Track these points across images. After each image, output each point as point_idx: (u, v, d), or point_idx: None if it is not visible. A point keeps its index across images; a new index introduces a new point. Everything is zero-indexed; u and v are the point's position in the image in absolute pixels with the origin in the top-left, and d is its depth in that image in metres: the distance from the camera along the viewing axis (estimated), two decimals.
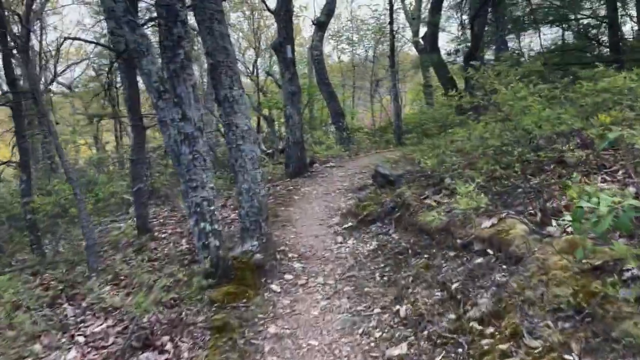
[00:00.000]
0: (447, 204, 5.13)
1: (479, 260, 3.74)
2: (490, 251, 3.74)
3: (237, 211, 6.71)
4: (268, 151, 13.52)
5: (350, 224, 6.15)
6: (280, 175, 10.53)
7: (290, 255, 5.21)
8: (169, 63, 4.13)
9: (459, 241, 4.15)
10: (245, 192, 4.95)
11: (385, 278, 4.28)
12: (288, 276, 4.67)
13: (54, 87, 25.41)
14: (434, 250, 4.32)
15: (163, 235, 7.36)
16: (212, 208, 4.32)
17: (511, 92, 4.40)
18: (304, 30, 30.60)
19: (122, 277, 4.69)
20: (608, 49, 9.87)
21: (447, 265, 3.97)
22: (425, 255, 4.33)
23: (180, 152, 4.24)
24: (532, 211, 3.93)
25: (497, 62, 5.48)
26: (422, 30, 23.35)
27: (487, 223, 4.00)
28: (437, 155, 5.66)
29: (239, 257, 4.69)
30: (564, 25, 10.99)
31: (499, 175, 4.55)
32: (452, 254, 4.10)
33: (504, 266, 3.50)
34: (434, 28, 11.71)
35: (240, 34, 26.86)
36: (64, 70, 26.38)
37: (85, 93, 24.39)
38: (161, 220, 9.06)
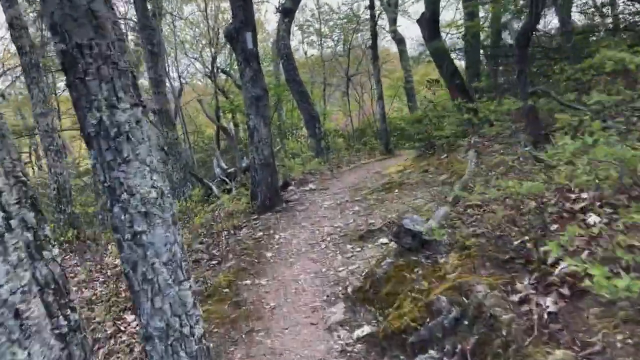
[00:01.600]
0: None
1: None
2: None
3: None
4: (229, 170, 10.74)
5: (366, 329, 3.51)
6: (244, 210, 7.78)
7: None
8: None
9: None
10: (158, 337, 2.23)
11: None
12: None
13: None
14: None
15: None
16: None
17: None
18: (267, 23, 27.68)
19: None
20: None
21: None
22: None
23: None
24: None
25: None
26: (400, 18, 20.97)
27: None
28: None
29: None
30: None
31: None
32: None
33: None
34: (434, 7, 9.17)
35: (197, 30, 23.96)
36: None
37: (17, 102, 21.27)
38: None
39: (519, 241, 3.36)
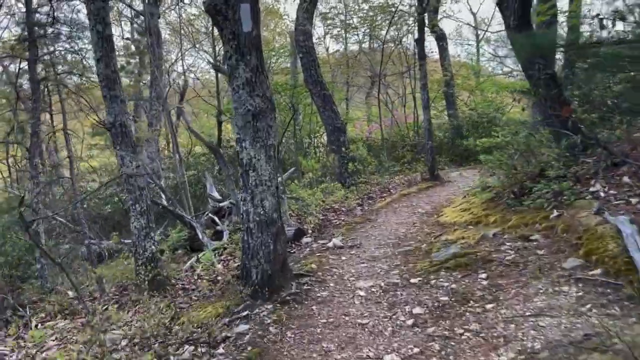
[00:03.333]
0: None
1: None
2: None
3: None
4: (221, 204, 7.83)
5: None
6: (230, 284, 4.85)
7: None
8: None
9: None
10: None
11: None
12: None
13: None
14: None
15: None
16: None
17: None
18: (286, 16, 24.52)
19: None
20: None
21: None
22: None
23: None
24: None
25: None
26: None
27: None
28: None
29: None
30: None
31: None
32: None
33: None
34: None
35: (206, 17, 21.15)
36: None
37: None
38: None
39: None
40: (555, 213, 4.93)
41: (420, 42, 10.29)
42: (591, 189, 5.07)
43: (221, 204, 7.71)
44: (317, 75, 10.59)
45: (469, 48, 24.79)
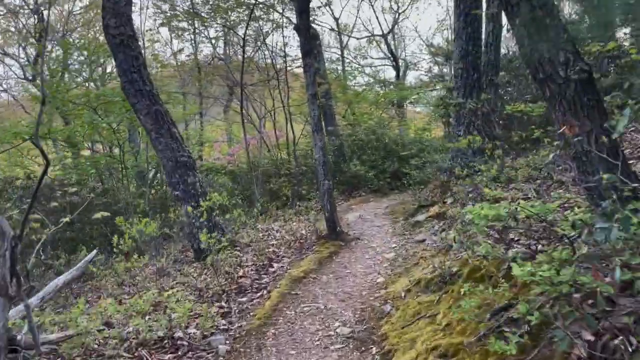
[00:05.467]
0: None
1: None
2: None
3: None
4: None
5: None
6: None
7: None
8: None
9: None
10: None
11: None
12: None
13: None
14: None
15: None
16: None
17: None
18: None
19: None
20: None
21: None
22: None
23: None
24: None
25: None
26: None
27: None
28: None
29: None
30: None
31: None
32: None
33: None
34: None
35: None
36: None
37: None
38: None
39: None
40: None
41: (302, 30, 6.83)
42: None
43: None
44: (143, 81, 6.52)
45: (333, 56, 22.35)
